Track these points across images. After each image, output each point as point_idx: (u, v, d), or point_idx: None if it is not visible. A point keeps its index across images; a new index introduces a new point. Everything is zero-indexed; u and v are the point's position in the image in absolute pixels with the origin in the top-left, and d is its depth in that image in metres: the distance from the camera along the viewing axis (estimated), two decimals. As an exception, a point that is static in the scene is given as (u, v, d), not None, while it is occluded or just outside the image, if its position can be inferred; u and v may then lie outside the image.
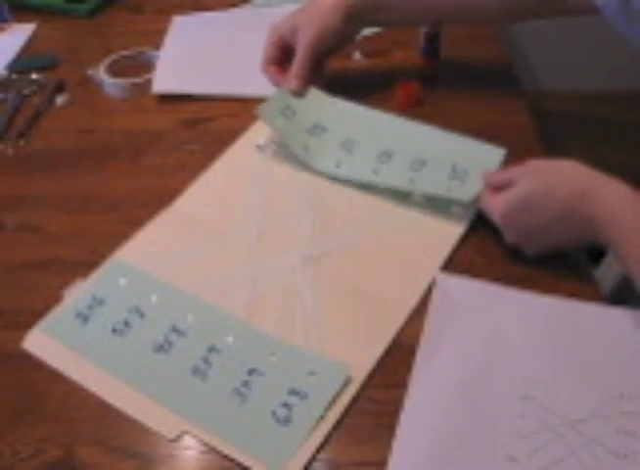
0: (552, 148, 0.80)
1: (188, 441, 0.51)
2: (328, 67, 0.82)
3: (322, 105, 0.77)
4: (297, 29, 0.76)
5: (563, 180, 0.59)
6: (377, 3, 0.77)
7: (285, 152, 0.75)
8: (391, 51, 0.94)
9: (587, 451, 0.48)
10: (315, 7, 0.77)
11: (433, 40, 0.88)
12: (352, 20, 0.77)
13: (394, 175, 0.69)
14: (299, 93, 0.77)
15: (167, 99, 0.87)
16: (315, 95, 0.78)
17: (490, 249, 0.64)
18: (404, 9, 0.78)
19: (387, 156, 0.72)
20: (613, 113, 1.88)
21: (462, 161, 0.70)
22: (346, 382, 0.53)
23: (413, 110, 0.82)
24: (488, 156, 0.70)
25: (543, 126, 0.83)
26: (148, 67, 0.92)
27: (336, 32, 0.76)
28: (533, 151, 0.75)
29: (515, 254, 0.62)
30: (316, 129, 0.75)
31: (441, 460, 0.48)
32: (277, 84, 0.79)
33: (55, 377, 0.56)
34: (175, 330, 0.58)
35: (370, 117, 0.76)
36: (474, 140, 0.72)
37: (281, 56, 0.79)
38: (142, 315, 0.59)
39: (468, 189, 0.66)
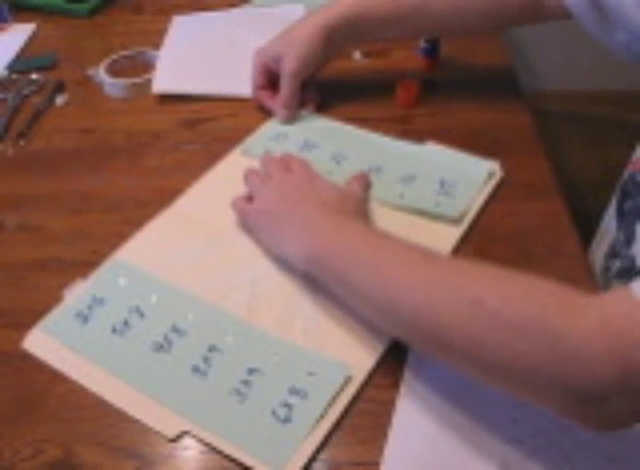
0: (552, 148, 0.80)
1: (188, 441, 0.51)
2: (318, 92, 0.84)
3: (312, 125, 0.80)
4: (279, 57, 0.79)
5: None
6: (355, 27, 0.78)
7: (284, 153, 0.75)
8: (391, 51, 0.94)
9: (581, 456, 0.48)
10: (295, 34, 0.78)
11: (432, 40, 0.88)
12: (332, 44, 0.79)
13: (384, 189, 0.70)
14: (290, 121, 0.80)
15: (167, 99, 0.87)
16: (305, 117, 0.81)
17: (490, 249, 0.64)
18: (383, 28, 0.79)
19: (376, 170, 0.73)
20: (613, 113, 1.88)
21: (450, 174, 0.71)
22: (346, 382, 0.53)
23: (413, 110, 0.82)
24: (476, 169, 0.71)
25: (543, 126, 0.83)
26: (148, 67, 0.92)
27: (317, 58, 0.79)
28: (533, 151, 0.75)
29: (515, 253, 0.62)
30: (307, 146, 0.77)
31: (433, 465, 0.48)
32: (270, 107, 0.82)
33: (55, 377, 0.56)
34: (175, 330, 0.58)
35: (359, 135, 0.78)
36: (462, 153, 0.73)
37: (268, 81, 0.82)
38: (142, 315, 0.59)
39: (456, 204, 0.67)
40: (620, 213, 0.66)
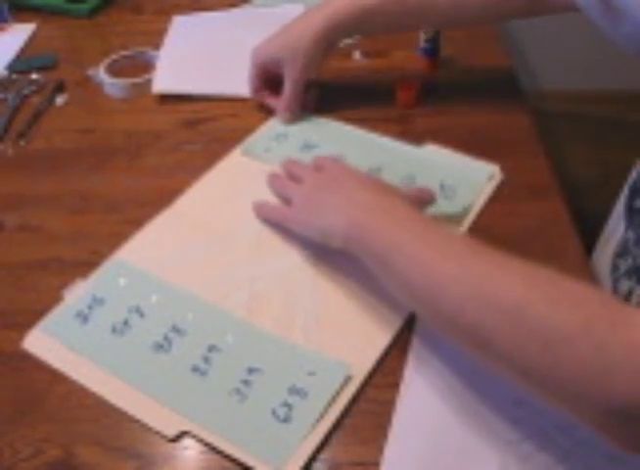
0: (552, 148, 0.80)
1: (188, 441, 0.51)
2: (318, 91, 0.84)
3: (312, 125, 0.81)
4: (280, 60, 0.79)
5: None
6: (357, 24, 0.78)
7: (285, 154, 0.76)
8: (391, 51, 0.94)
9: (581, 456, 0.48)
10: (297, 38, 0.78)
11: (433, 40, 0.88)
12: (333, 44, 0.79)
13: None
14: (291, 122, 0.81)
15: (167, 99, 0.87)
16: (306, 117, 0.81)
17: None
18: (382, 24, 0.79)
19: (376, 170, 0.73)
20: (613, 113, 1.88)
21: (449, 177, 0.71)
22: (346, 381, 0.53)
23: (413, 110, 0.82)
24: (476, 173, 0.71)
25: (543, 126, 0.83)
26: (148, 67, 0.92)
27: (319, 61, 0.79)
28: (533, 151, 0.75)
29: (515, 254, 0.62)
30: (307, 146, 0.77)
31: (433, 465, 0.48)
32: (269, 105, 0.83)
33: (55, 377, 0.56)
34: (175, 329, 0.58)
35: (359, 135, 0.78)
36: (462, 155, 0.73)
37: (265, 81, 0.83)
38: (142, 315, 0.59)
39: (456, 208, 0.68)
40: (630, 212, 0.66)
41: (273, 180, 0.70)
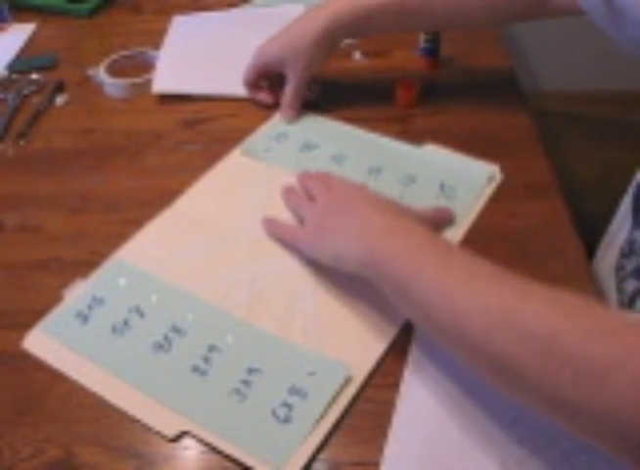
0: (552, 148, 0.80)
1: (188, 441, 0.51)
2: (318, 84, 0.84)
3: (312, 125, 0.80)
4: (283, 62, 0.79)
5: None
6: (361, 25, 0.78)
7: (285, 153, 0.76)
8: (391, 51, 0.94)
9: (581, 457, 0.48)
10: (298, 38, 0.78)
11: (433, 40, 0.88)
12: (334, 44, 0.80)
13: (383, 189, 0.69)
14: (293, 120, 0.81)
15: (167, 99, 0.87)
16: (306, 117, 0.81)
17: (490, 249, 0.64)
18: (383, 25, 0.79)
19: (376, 171, 0.73)
20: (613, 113, 1.88)
21: (450, 178, 0.71)
22: (346, 382, 0.53)
23: (413, 110, 0.82)
24: (476, 173, 0.71)
25: (543, 126, 0.83)
26: (148, 67, 0.92)
27: (320, 61, 0.80)
28: (533, 151, 0.75)
29: (514, 254, 0.62)
30: (307, 146, 0.77)
31: (433, 465, 0.48)
32: (261, 100, 0.84)
33: (55, 377, 0.56)
34: (175, 329, 0.58)
35: (359, 135, 0.78)
36: (463, 156, 0.73)
37: (263, 78, 0.84)
38: (142, 315, 0.59)
39: (455, 209, 0.67)
40: (636, 212, 0.65)
41: (288, 195, 0.69)
